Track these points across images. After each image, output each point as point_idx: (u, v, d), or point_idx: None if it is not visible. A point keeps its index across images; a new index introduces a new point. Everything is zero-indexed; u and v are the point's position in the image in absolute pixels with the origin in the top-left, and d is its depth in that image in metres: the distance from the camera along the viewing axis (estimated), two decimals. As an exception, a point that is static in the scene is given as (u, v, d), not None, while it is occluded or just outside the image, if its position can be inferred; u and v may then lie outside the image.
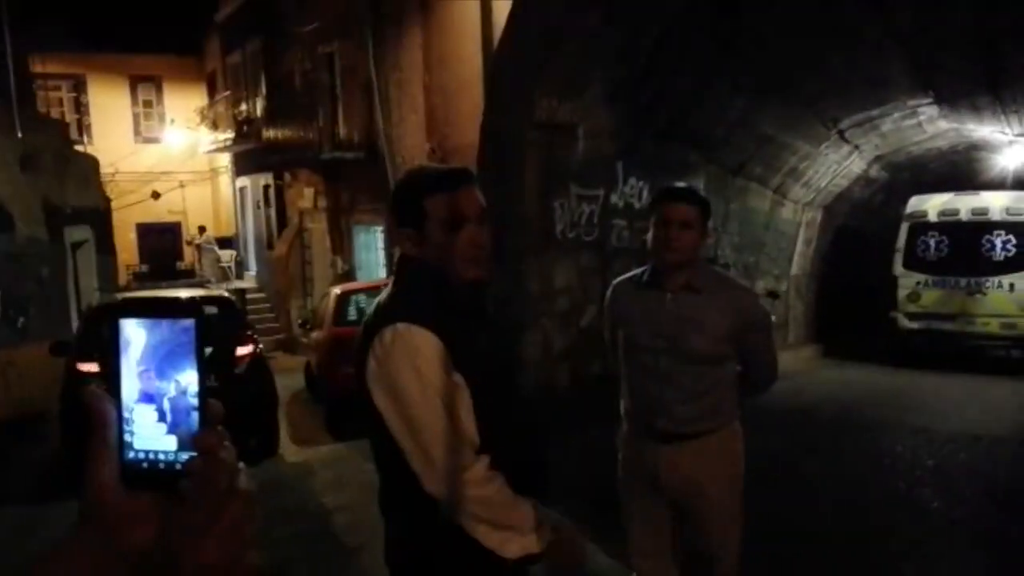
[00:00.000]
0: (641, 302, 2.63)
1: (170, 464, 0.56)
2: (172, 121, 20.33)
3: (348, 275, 13.00)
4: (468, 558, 1.62)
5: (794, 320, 11.24)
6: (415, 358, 1.57)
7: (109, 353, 0.57)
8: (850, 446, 6.16)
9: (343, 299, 8.35)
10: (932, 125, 9.54)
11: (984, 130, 9.63)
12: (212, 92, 20.05)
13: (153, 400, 0.56)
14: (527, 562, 1.64)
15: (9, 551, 4.36)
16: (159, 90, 20.91)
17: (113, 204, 14.80)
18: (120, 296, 8.66)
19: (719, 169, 8.78)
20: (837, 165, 10.50)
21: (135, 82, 20.61)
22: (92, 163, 12.54)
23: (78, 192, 10.63)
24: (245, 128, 16.56)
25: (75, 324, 8.58)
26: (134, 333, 0.57)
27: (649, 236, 2.57)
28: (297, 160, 14.27)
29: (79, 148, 13.67)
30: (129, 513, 0.56)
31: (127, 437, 0.57)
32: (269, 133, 14.99)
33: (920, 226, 10.49)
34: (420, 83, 10.19)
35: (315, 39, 13.39)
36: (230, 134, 17.10)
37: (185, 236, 20.75)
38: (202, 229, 19.71)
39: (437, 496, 1.59)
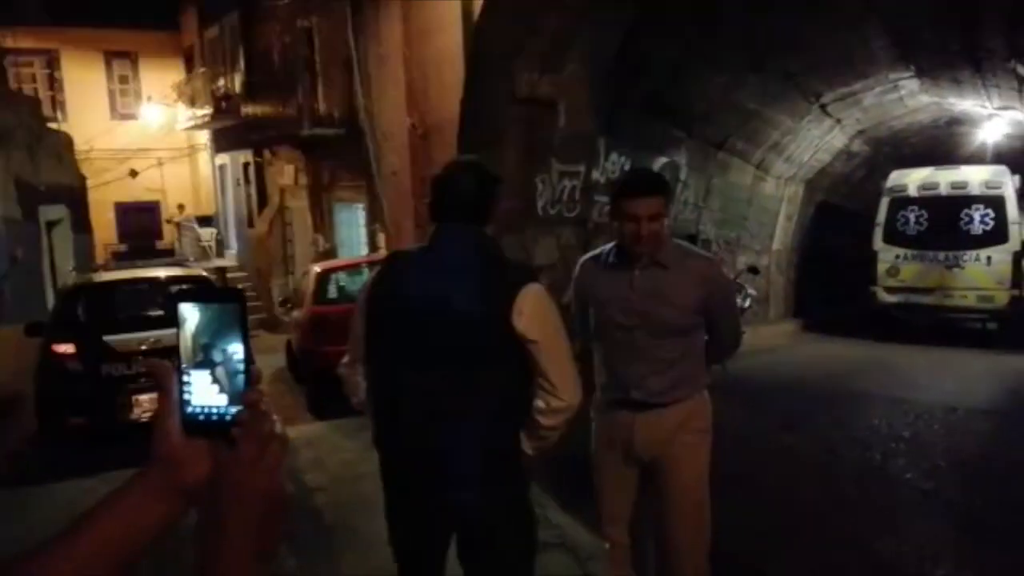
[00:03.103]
0: (609, 280, 2.71)
1: (221, 416, 0.71)
2: (149, 97, 19.98)
3: (330, 253, 12.90)
4: (521, 476, 2.31)
5: (775, 295, 11.30)
6: (552, 305, 2.18)
7: (176, 330, 0.72)
8: (828, 418, 6.22)
9: (323, 277, 8.27)
10: (913, 99, 9.55)
11: (965, 104, 9.65)
12: (189, 67, 19.71)
13: (207, 366, 0.72)
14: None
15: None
16: (135, 65, 20.51)
17: (90, 182, 14.58)
18: (94, 277, 8.54)
19: (701, 144, 8.75)
20: (819, 140, 10.50)
21: (110, 57, 20.20)
22: (66, 140, 12.31)
23: (52, 170, 10.44)
24: (224, 104, 16.31)
25: (50, 304, 8.46)
26: (190, 314, 0.72)
27: (615, 226, 2.63)
28: (277, 137, 14.08)
29: (53, 125, 13.41)
30: (188, 455, 0.72)
31: (186, 396, 0.72)
32: (248, 109, 14.78)
33: (900, 200, 10.55)
34: (400, 57, 10.05)
35: (293, 13, 13.16)
36: (208, 110, 16.84)
37: (164, 215, 20.49)
38: (181, 207, 19.48)
39: (571, 402, 2.16)
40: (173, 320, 0.72)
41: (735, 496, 4.20)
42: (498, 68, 6.38)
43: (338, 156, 12.49)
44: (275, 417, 0.71)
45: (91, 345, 6.10)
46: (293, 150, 14.12)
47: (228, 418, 0.71)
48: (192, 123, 17.95)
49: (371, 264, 8.82)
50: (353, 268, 8.63)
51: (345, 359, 2.37)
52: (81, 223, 11.82)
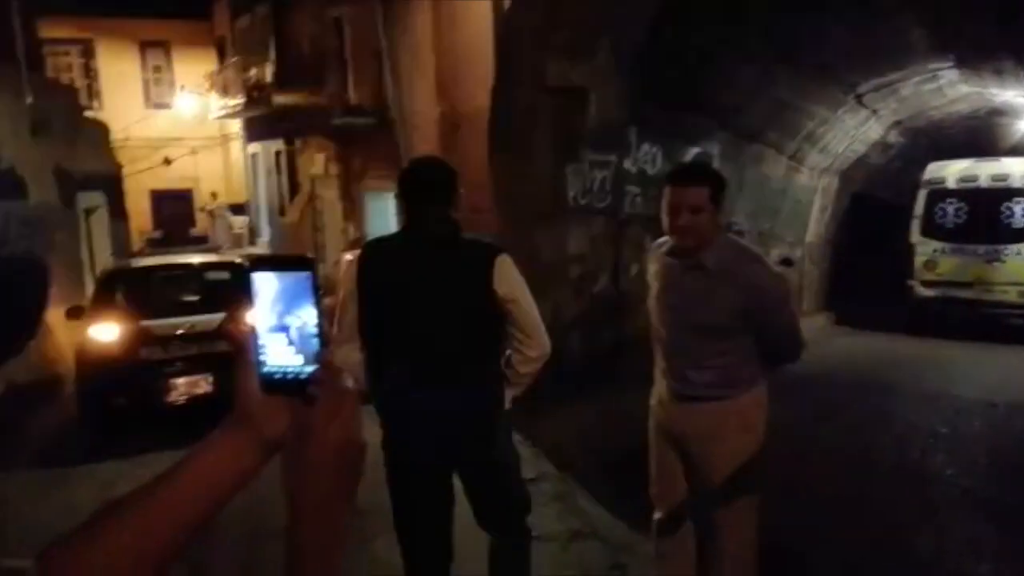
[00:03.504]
0: (663, 271, 2.72)
1: (297, 375, 0.76)
2: (182, 87, 20.22)
3: (360, 242, 12.99)
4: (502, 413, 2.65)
5: (808, 287, 11.15)
6: (518, 271, 2.56)
7: (248, 299, 0.77)
8: (864, 413, 6.13)
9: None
10: (953, 89, 9.33)
11: (1007, 94, 9.41)
12: (222, 57, 19.90)
13: (283, 330, 0.76)
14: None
15: (23, 515, 4.43)
16: (168, 55, 20.78)
17: (125, 170, 14.79)
18: (132, 262, 8.69)
19: (734, 135, 8.64)
20: (854, 130, 10.32)
21: (144, 47, 20.48)
22: (103, 129, 12.50)
23: (89, 158, 10.62)
24: (255, 94, 16.45)
25: (89, 289, 8.62)
26: (264, 281, 0.76)
27: (663, 215, 2.59)
28: (308, 126, 14.19)
29: (89, 114, 13.62)
30: (267, 412, 0.77)
31: (263, 358, 0.77)
32: (279, 99, 14.88)
33: (938, 193, 10.33)
34: (430, 47, 10.06)
35: (324, 2, 13.22)
36: (240, 100, 17.00)
37: (197, 202, 20.77)
38: (214, 195, 19.72)
39: (544, 350, 2.56)
40: (240, 290, 0.79)
41: (771, 489, 4.17)
42: (528, 57, 6.35)
43: (368, 145, 12.55)
44: (347, 374, 0.77)
45: (130, 329, 6.21)
46: (324, 139, 14.22)
47: (304, 377, 0.76)
48: (224, 112, 18.14)
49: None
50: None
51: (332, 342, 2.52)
52: (117, 210, 12.02)
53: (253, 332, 0.77)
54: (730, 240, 2.65)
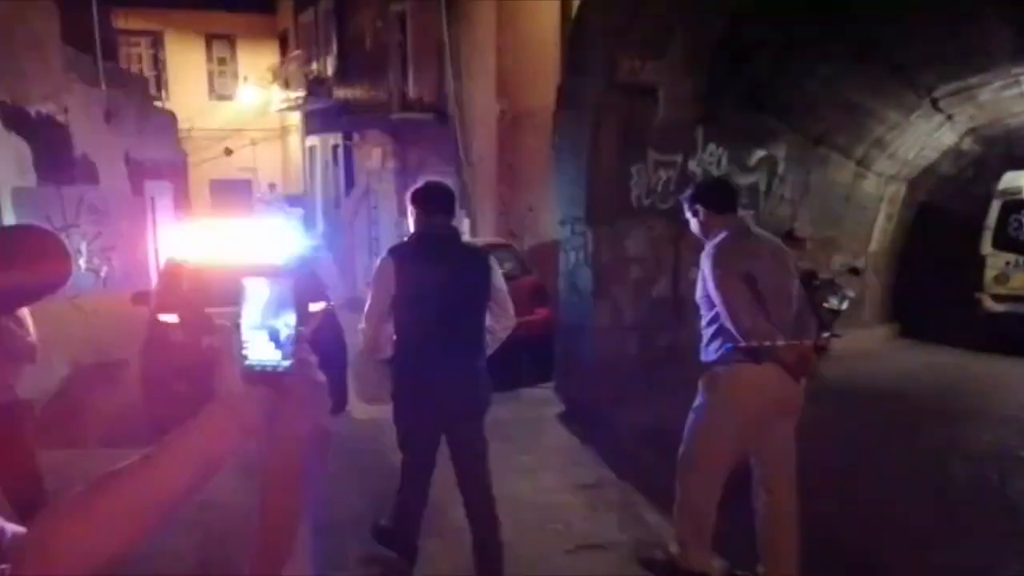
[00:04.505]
0: None
1: (275, 368, 0.87)
2: (245, 79, 20.62)
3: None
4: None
5: (870, 298, 10.81)
6: None
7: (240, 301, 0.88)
8: (934, 432, 5.89)
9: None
10: (1035, 95, 8.92)
11: (1092, 102, 8.96)
12: (284, 50, 20.23)
13: (265, 329, 0.87)
14: None
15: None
16: (233, 47, 21.20)
17: (189, 159, 15.16)
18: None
19: (800, 138, 8.42)
20: (927, 136, 9.95)
21: (210, 39, 20.94)
22: (171, 119, 12.82)
23: (157, 146, 10.90)
24: (316, 87, 16.67)
25: (154, 276, 8.83)
26: (251, 286, 0.89)
27: None
28: (366, 120, 14.30)
29: (157, 104, 13.99)
30: (246, 399, 0.86)
31: (245, 352, 0.87)
32: (339, 93, 15.05)
33: (1013, 203, 9.90)
34: (492, 43, 10.03)
35: (387, -3, 13.31)
36: (301, 93, 17.25)
37: (256, 193, 21.16)
38: (272, 186, 20.07)
39: (514, 320, 3.45)
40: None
41: (836, 513, 4.02)
42: (598, 53, 6.26)
43: (426, 141, 12.59)
44: (318, 369, 0.88)
45: (193, 316, 6.32)
46: (382, 134, 14.32)
47: (280, 370, 0.86)
48: (285, 105, 18.43)
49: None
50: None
51: (363, 324, 3.35)
52: (182, 198, 12.32)
53: (238, 329, 0.87)
54: (716, 235, 3.32)
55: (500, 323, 3.43)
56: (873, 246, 10.73)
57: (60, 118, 7.71)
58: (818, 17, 6.58)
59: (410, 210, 3.35)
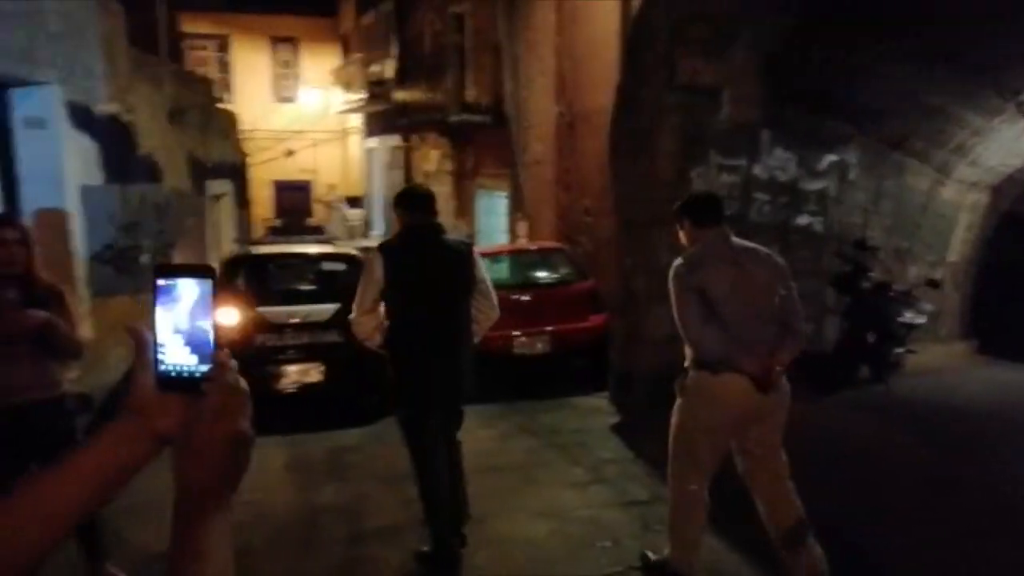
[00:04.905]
0: None
1: (192, 373, 0.82)
2: (307, 81, 20.97)
3: (472, 238, 12.99)
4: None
5: (948, 312, 10.25)
6: None
7: (151, 302, 0.82)
8: (1015, 456, 5.48)
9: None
10: None
11: None
12: (346, 53, 20.50)
13: (181, 331, 0.81)
14: None
15: (136, 489, 4.52)
16: (296, 50, 21.61)
17: (250, 160, 15.45)
18: (253, 249, 8.95)
19: (875, 143, 8.01)
20: (1012, 142, 9.37)
21: (275, 42, 21.39)
22: (233, 120, 13.06)
23: (219, 147, 11.10)
24: (376, 90, 16.81)
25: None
26: (168, 288, 0.82)
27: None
28: (424, 122, 14.34)
29: (221, 105, 14.29)
30: (160, 406, 0.83)
31: (160, 356, 0.82)
32: (398, 95, 15.13)
33: (1105, 214, 9.25)
34: (551, 45, 9.88)
35: (447, -1, 13.31)
36: (362, 95, 17.42)
37: (315, 194, 21.50)
38: (332, 187, 20.33)
39: (498, 313, 3.80)
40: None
41: (912, 534, 3.75)
42: (659, 54, 6.05)
43: (483, 143, 12.52)
44: (238, 373, 0.83)
45: (248, 315, 6.34)
46: (439, 136, 14.33)
47: (198, 375, 0.81)
48: (346, 107, 18.65)
49: (513, 253, 8.74)
50: (495, 255, 8.57)
51: (354, 313, 3.57)
52: (242, 198, 12.53)
53: (153, 332, 0.82)
54: (693, 246, 3.48)
55: (484, 313, 3.73)
56: (952, 257, 10.17)
57: (126, 118, 7.88)
58: (890, 13, 6.23)
59: (396, 212, 3.70)
